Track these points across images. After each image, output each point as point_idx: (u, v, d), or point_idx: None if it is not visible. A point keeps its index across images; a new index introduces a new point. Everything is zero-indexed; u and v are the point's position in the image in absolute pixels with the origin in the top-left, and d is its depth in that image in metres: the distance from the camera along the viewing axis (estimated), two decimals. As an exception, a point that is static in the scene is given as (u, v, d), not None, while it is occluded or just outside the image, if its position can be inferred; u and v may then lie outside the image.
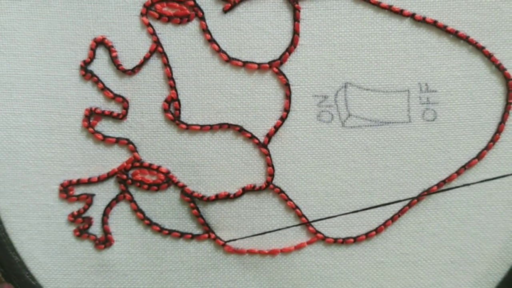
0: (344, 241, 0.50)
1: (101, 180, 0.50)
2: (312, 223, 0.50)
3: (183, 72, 0.48)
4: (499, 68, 0.48)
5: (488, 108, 0.49)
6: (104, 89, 0.48)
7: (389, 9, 0.48)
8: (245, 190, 0.49)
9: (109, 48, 0.48)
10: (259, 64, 0.48)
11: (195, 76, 0.48)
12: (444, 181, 0.50)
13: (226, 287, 0.51)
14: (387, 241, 0.50)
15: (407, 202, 0.50)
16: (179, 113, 0.49)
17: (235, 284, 0.51)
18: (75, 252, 0.50)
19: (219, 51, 0.48)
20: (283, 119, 0.49)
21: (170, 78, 0.48)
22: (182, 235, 0.50)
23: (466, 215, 0.50)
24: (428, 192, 0.50)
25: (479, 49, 0.48)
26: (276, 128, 0.49)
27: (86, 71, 0.48)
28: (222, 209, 0.50)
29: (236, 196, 0.49)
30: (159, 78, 0.48)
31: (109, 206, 0.50)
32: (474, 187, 0.50)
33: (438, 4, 0.47)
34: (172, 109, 0.49)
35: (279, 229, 0.50)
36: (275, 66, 0.48)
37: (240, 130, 0.49)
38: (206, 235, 0.50)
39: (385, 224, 0.50)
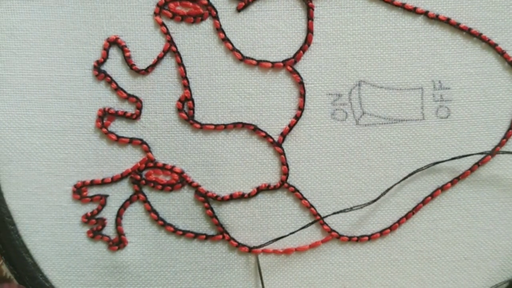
0: (358, 239, 0.50)
1: (114, 180, 0.49)
2: (327, 222, 0.50)
3: (197, 71, 0.48)
4: (512, 65, 0.49)
5: (501, 105, 0.49)
6: (117, 89, 0.48)
7: (403, 7, 0.48)
8: (259, 190, 0.49)
9: (123, 48, 0.48)
10: (273, 63, 0.48)
11: (209, 75, 0.48)
12: (458, 178, 0.50)
13: (241, 287, 0.51)
14: (402, 239, 0.51)
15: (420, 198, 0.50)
16: (193, 112, 0.48)
17: (249, 284, 0.50)
18: (89, 253, 0.50)
19: (233, 50, 0.48)
20: (297, 117, 0.49)
21: (184, 77, 0.48)
22: (196, 235, 0.50)
23: (479, 211, 0.50)
24: (442, 189, 0.50)
25: (492, 46, 0.48)
26: (291, 126, 0.49)
27: (99, 71, 0.48)
28: (237, 209, 0.50)
29: (250, 196, 0.49)
30: (172, 77, 0.48)
31: (123, 207, 0.50)
32: (487, 184, 0.50)
33: (451, 2, 0.48)
34: (186, 108, 0.48)
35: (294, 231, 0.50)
36: (289, 65, 0.48)
37: (254, 129, 0.49)
38: (221, 236, 0.50)
39: (399, 222, 0.50)
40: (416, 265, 0.51)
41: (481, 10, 0.48)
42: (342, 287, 0.51)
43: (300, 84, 0.48)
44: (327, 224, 0.50)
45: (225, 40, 0.48)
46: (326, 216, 0.49)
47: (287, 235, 0.49)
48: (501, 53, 0.48)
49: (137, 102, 0.48)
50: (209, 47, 0.48)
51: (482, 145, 0.49)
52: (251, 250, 0.50)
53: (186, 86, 0.48)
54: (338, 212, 0.49)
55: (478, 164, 0.50)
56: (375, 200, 0.49)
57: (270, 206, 0.50)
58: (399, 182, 0.49)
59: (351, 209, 0.49)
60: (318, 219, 0.49)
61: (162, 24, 0.47)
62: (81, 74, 0.48)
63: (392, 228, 0.50)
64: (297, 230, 0.49)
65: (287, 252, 0.50)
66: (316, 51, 0.48)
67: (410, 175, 0.49)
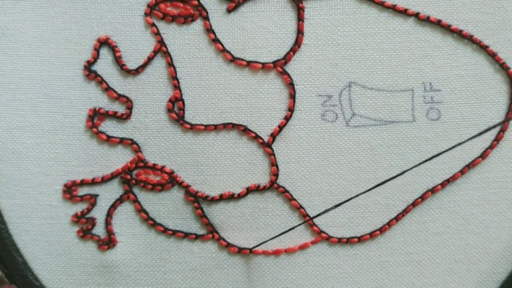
0: (348, 241, 0.50)
1: (104, 180, 0.50)
2: (316, 223, 0.50)
3: (187, 71, 0.48)
4: (503, 67, 0.48)
5: (492, 107, 0.49)
6: (108, 89, 0.48)
7: (393, 9, 0.48)
8: (249, 190, 0.49)
9: (113, 48, 0.48)
10: (263, 64, 0.48)
11: (199, 76, 0.48)
12: (448, 180, 0.50)
13: (230, 287, 0.51)
14: (391, 241, 0.50)
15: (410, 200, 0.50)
16: (183, 113, 0.49)
17: (239, 284, 0.51)
18: (79, 253, 0.50)
19: (223, 50, 0.48)
20: (287, 118, 0.49)
21: (174, 78, 0.48)
22: (186, 235, 0.50)
23: (470, 214, 0.50)
24: (432, 191, 0.50)
25: (483, 48, 0.48)
26: (281, 127, 0.49)
27: (89, 71, 0.48)
28: (226, 209, 0.50)
29: (240, 196, 0.49)
30: (163, 78, 0.48)
31: (113, 206, 0.50)
32: (478, 186, 0.50)
33: (442, 3, 0.48)
34: (176, 109, 0.49)
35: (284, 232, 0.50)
36: (280, 66, 0.48)
37: (244, 130, 0.49)
38: (210, 236, 0.50)
39: (389, 224, 0.50)
40: (406, 267, 0.51)
41: (472, 12, 0.48)
42: (331, 288, 0.51)
43: (290, 85, 0.48)
44: (316, 226, 0.50)
45: (216, 40, 0.48)
46: (316, 217, 0.49)
47: (277, 235, 0.49)
48: (492, 55, 0.48)
49: (128, 102, 0.48)
50: (199, 47, 0.48)
51: (472, 147, 0.49)
52: (240, 250, 0.50)
53: (177, 87, 0.48)
54: (326, 211, 0.49)
55: (469, 166, 0.49)
56: (357, 196, 0.49)
57: (260, 206, 0.50)
58: (384, 182, 0.49)
59: (335, 206, 0.49)
60: (307, 220, 0.49)
61: (153, 25, 0.48)
62: (71, 74, 0.48)
63: (382, 230, 0.50)
64: (287, 231, 0.49)
65: (276, 253, 0.50)
66: (306, 52, 0.48)
67: (398, 175, 0.49)
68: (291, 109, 0.48)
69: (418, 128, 0.49)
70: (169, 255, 0.50)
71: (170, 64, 0.48)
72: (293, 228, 0.49)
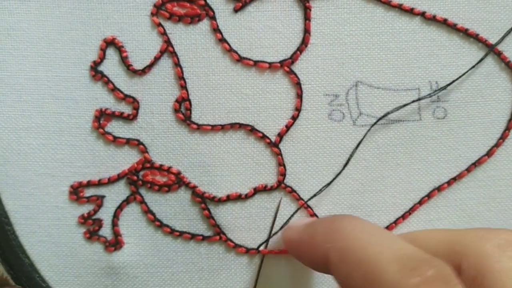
0: (355, 240, 0.50)
1: (111, 181, 0.49)
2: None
3: (194, 71, 0.48)
4: (509, 66, 0.49)
5: (498, 106, 0.49)
6: (114, 89, 0.48)
7: (399, 8, 0.48)
8: (256, 190, 0.49)
9: (119, 48, 0.48)
10: (270, 64, 0.48)
11: (206, 76, 0.48)
12: (454, 179, 0.50)
13: (237, 288, 0.51)
14: (398, 239, 0.51)
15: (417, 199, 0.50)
16: (190, 113, 0.48)
17: (247, 285, 0.50)
18: (85, 254, 0.50)
19: (230, 50, 0.48)
20: (294, 118, 0.49)
21: (180, 78, 0.48)
22: (193, 236, 0.50)
23: (476, 212, 0.50)
24: (439, 189, 0.50)
25: (488, 47, 0.48)
26: (288, 127, 0.49)
27: (96, 72, 0.48)
28: (234, 209, 0.50)
29: (247, 196, 0.49)
30: (169, 78, 0.48)
31: (120, 207, 0.50)
32: (484, 184, 0.50)
33: (448, 2, 0.48)
34: (183, 109, 0.48)
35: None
36: (286, 65, 0.48)
37: (251, 130, 0.49)
38: (218, 237, 0.50)
39: (396, 222, 0.50)
40: (413, 265, 0.51)
41: (478, 11, 0.48)
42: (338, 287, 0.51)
43: (297, 84, 0.48)
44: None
45: (222, 40, 0.48)
46: (310, 199, 0.49)
47: (276, 232, 0.49)
48: (498, 54, 0.49)
49: (134, 103, 0.48)
50: (206, 47, 0.48)
51: (478, 146, 0.50)
52: (248, 251, 0.50)
53: (183, 87, 0.48)
54: (317, 194, 0.49)
55: (475, 164, 0.50)
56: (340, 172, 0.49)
57: (267, 206, 0.50)
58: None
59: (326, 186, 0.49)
60: (302, 205, 0.49)
61: (159, 25, 0.47)
62: (78, 75, 0.48)
63: (388, 228, 0.50)
64: (286, 222, 0.49)
65: (284, 252, 0.50)
66: (313, 52, 0.48)
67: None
68: (298, 109, 0.48)
69: (425, 126, 0.49)
70: (176, 256, 0.50)
71: (177, 64, 0.48)
72: (290, 217, 0.49)
